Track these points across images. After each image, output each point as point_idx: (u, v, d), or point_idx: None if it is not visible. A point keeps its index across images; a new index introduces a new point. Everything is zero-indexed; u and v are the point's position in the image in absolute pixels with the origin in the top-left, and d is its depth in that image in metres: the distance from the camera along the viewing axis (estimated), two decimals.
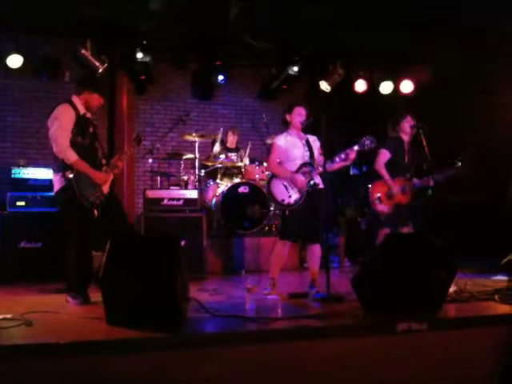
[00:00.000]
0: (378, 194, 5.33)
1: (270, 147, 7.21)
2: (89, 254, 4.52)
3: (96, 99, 4.64)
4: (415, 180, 5.30)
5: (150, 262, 3.50)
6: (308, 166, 4.76)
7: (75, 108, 4.51)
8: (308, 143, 4.89)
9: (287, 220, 4.82)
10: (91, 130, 4.65)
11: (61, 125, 4.39)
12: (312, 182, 4.73)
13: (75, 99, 4.57)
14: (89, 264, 4.51)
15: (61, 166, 4.40)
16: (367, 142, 4.67)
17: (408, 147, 5.43)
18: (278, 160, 4.89)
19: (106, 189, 4.59)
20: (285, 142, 4.85)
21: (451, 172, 5.28)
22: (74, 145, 4.41)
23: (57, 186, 4.48)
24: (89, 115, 4.65)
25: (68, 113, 4.45)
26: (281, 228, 5.12)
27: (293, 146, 4.84)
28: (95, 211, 4.44)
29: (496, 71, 6.42)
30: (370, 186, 5.42)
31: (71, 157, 4.35)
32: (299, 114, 4.85)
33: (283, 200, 4.76)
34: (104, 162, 4.67)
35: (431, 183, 5.25)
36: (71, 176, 4.35)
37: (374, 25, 6.75)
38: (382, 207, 5.31)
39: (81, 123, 4.51)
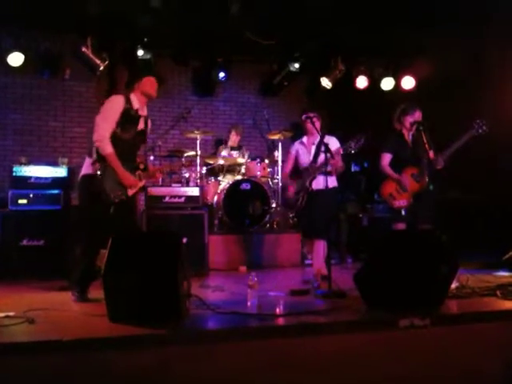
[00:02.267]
0: (389, 192, 5.32)
1: (271, 145, 7.38)
2: (96, 249, 4.40)
3: (148, 82, 4.50)
4: (438, 158, 5.19)
5: (152, 259, 3.51)
6: (306, 171, 5.24)
7: (128, 102, 4.42)
8: (319, 146, 5.15)
9: (298, 220, 5.62)
10: (141, 127, 4.52)
11: (106, 115, 4.34)
12: (305, 187, 5.17)
13: (131, 95, 4.50)
14: (93, 260, 4.41)
15: (96, 153, 4.29)
16: (352, 145, 4.96)
17: (411, 138, 5.41)
18: (290, 168, 5.49)
19: (131, 192, 4.43)
20: (295, 150, 5.48)
21: (471, 132, 5.17)
22: (114, 137, 4.30)
23: (84, 171, 4.40)
24: (143, 113, 4.54)
25: (117, 103, 4.37)
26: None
27: (300, 153, 5.40)
28: (111, 209, 4.28)
29: (497, 65, 6.40)
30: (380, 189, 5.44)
31: (107, 149, 4.24)
32: (309, 119, 5.28)
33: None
34: (142, 166, 4.51)
35: (453, 150, 5.19)
36: (99, 171, 4.25)
37: (374, 20, 6.74)
38: (399, 202, 5.28)
39: (128, 117, 4.39)
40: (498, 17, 5.98)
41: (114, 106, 4.37)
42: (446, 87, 6.93)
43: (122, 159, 4.33)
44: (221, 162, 7.35)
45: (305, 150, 5.38)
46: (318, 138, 5.19)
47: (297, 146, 5.49)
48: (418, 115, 5.35)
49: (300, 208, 5.27)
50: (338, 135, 5.40)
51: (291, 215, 6.87)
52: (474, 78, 6.66)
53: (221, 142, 8.14)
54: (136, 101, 4.49)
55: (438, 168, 5.14)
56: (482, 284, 4.60)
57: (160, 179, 4.74)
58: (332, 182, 5.05)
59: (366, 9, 6.51)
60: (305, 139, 5.44)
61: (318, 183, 5.09)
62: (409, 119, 5.35)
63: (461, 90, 6.81)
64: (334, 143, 5.06)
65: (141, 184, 4.54)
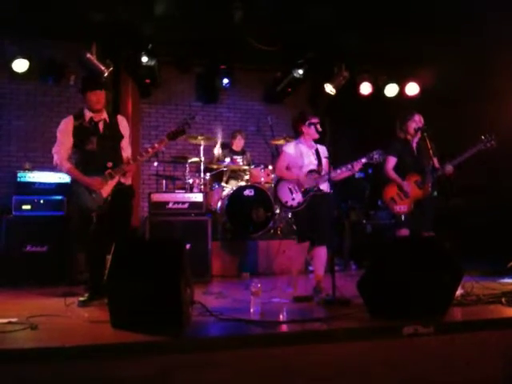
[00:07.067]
0: (391, 196, 5.31)
1: (275, 151, 7.30)
2: (97, 256, 4.53)
3: (89, 97, 4.64)
4: (445, 166, 5.19)
5: (155, 266, 3.50)
6: (315, 172, 4.86)
7: (78, 117, 4.66)
8: (317, 152, 4.98)
9: (296, 222, 5.12)
10: (102, 131, 4.66)
11: (58, 140, 4.66)
12: (315, 188, 4.82)
13: (84, 109, 4.71)
14: (99, 267, 4.48)
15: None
16: (376, 156, 4.76)
17: (416, 145, 5.40)
18: (285, 166, 4.98)
19: (105, 192, 4.58)
20: (294, 150, 4.96)
21: (480, 146, 5.17)
22: (82, 153, 4.62)
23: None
24: (98, 118, 4.67)
25: (64, 126, 4.66)
26: (296, 232, 5.26)
27: (301, 154, 4.94)
28: (93, 217, 4.50)
29: (500, 72, 6.39)
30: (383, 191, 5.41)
31: (64, 167, 4.61)
32: (313, 125, 4.91)
33: (286, 202, 4.89)
34: (110, 165, 4.62)
35: (458, 161, 5.17)
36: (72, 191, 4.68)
37: (378, 27, 6.74)
38: (399, 207, 5.25)
39: (83, 130, 4.61)
40: (501, 23, 5.98)
41: (62, 129, 4.66)
42: (450, 93, 6.93)
43: (92, 169, 4.57)
44: (224, 168, 7.35)
45: (306, 152, 4.95)
46: (315, 145, 5.04)
47: (296, 146, 4.98)
48: (418, 119, 5.36)
49: (304, 210, 4.83)
50: (342, 142, 5.38)
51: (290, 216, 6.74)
52: (478, 84, 6.65)
53: (224, 147, 8.11)
54: (87, 111, 4.69)
55: (447, 174, 5.15)
56: (487, 291, 4.56)
57: (140, 162, 4.97)
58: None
59: (370, 15, 6.52)
60: (304, 141, 5.00)
61: (324, 187, 4.88)
62: (411, 125, 5.35)
63: (465, 96, 6.80)
64: (326, 152, 4.99)
65: (107, 182, 4.61)
